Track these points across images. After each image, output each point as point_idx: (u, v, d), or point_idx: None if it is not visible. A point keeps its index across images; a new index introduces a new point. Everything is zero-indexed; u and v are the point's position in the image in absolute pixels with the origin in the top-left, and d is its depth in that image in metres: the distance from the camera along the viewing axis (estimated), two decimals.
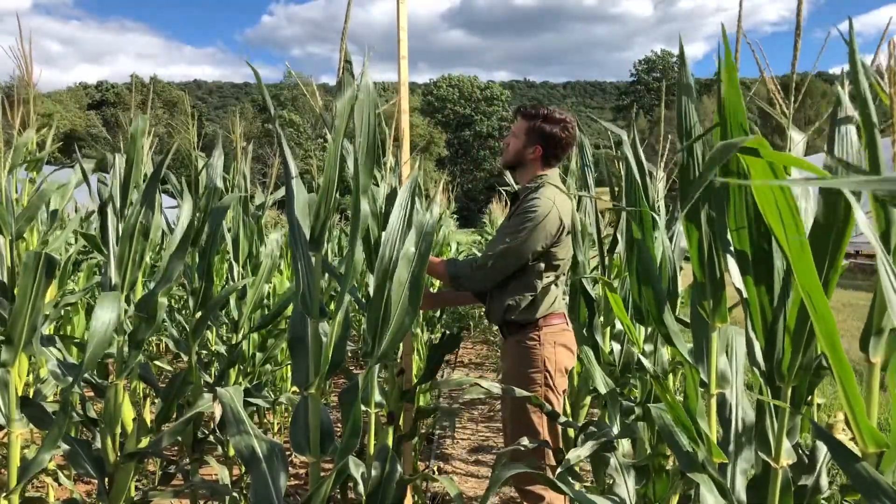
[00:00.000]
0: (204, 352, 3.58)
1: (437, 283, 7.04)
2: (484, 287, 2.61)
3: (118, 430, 2.17)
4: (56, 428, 1.86)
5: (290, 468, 3.49)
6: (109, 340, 1.92)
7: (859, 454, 0.99)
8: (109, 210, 2.17)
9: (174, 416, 2.51)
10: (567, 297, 2.70)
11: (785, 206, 0.90)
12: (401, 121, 2.49)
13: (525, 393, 2.15)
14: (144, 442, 2.34)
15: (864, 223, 0.78)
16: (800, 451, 1.57)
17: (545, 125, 2.53)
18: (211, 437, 2.80)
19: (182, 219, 2.43)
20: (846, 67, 1.04)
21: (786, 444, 1.20)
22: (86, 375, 2.10)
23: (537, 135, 2.54)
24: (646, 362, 1.62)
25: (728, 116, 1.14)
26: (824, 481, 1.54)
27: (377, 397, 2.65)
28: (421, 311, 4.19)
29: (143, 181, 2.24)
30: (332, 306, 1.53)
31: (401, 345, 2.64)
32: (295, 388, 3.88)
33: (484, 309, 2.77)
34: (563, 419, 2.33)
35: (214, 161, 2.79)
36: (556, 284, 2.55)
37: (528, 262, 2.49)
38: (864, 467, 0.91)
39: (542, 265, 2.50)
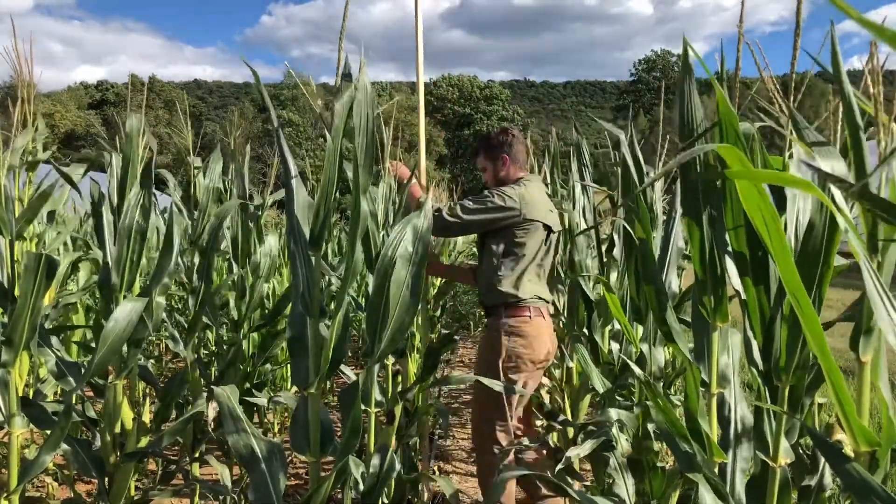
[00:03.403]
0: (204, 352, 3.57)
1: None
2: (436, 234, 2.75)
3: (118, 430, 2.17)
4: (58, 429, 1.86)
5: (290, 468, 3.49)
6: (123, 344, 1.91)
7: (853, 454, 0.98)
8: (105, 210, 2.16)
9: (173, 415, 2.50)
10: (566, 295, 2.71)
11: (767, 210, 0.89)
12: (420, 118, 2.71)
13: (481, 379, 2.33)
14: (144, 441, 2.34)
15: (843, 222, 0.78)
16: (801, 451, 1.57)
17: (478, 143, 2.92)
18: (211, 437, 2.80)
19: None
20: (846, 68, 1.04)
21: (784, 444, 1.20)
22: None
23: (479, 154, 2.87)
24: (637, 370, 1.62)
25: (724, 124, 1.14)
26: (828, 479, 1.54)
27: (377, 397, 2.65)
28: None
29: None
30: (332, 305, 1.53)
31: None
32: (295, 388, 3.87)
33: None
34: (562, 418, 2.34)
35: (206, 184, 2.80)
36: (533, 278, 2.60)
37: (481, 238, 2.69)
38: (855, 467, 0.90)
39: (502, 247, 2.58)
